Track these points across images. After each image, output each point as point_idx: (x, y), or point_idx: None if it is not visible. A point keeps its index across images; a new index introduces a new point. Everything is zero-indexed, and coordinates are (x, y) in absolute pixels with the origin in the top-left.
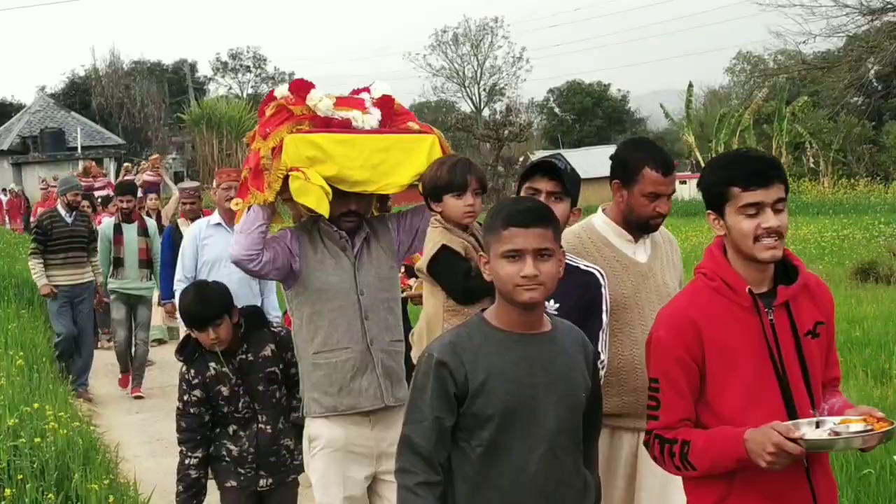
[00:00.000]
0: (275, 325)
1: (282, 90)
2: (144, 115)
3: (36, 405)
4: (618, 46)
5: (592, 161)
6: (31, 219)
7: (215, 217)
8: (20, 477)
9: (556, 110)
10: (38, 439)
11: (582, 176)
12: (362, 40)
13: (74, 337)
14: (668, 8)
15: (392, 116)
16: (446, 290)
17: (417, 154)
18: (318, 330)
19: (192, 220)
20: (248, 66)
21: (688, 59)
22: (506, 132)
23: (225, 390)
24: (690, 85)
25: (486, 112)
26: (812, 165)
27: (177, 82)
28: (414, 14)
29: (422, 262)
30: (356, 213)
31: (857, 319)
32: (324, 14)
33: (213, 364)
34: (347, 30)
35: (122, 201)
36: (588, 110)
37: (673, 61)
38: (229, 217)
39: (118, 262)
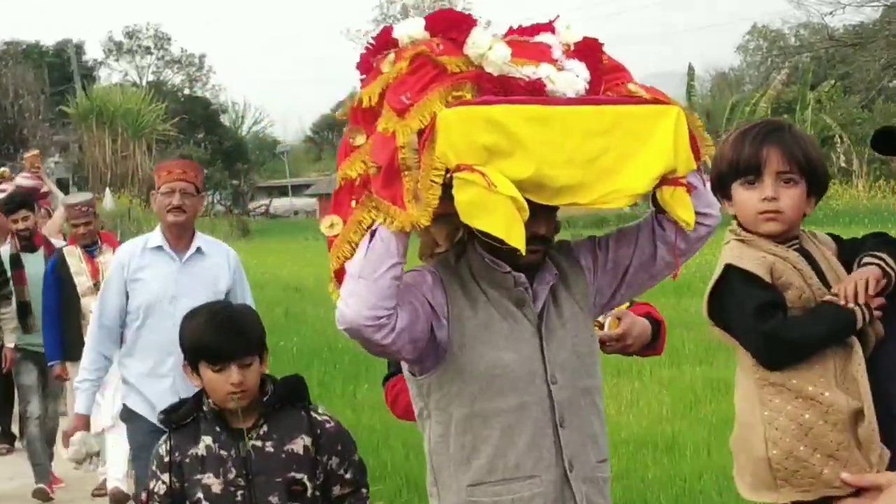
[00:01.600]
0: (321, 410)
1: (412, 27)
2: (19, 108)
3: None
4: (606, 20)
5: None
6: None
7: (156, 237)
8: None
9: None
10: None
11: None
12: (289, 16)
13: None
14: None
15: (601, 74)
16: (740, 342)
17: (657, 138)
18: (481, 445)
19: (85, 247)
20: (149, 48)
21: (690, 35)
22: None
23: (216, 486)
24: (691, 67)
25: None
26: (843, 164)
27: (59, 68)
28: None
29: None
30: (544, 240)
31: None
32: None
33: (208, 438)
34: (270, 4)
35: (15, 220)
36: None
37: (672, 38)
38: (176, 236)
39: (22, 309)
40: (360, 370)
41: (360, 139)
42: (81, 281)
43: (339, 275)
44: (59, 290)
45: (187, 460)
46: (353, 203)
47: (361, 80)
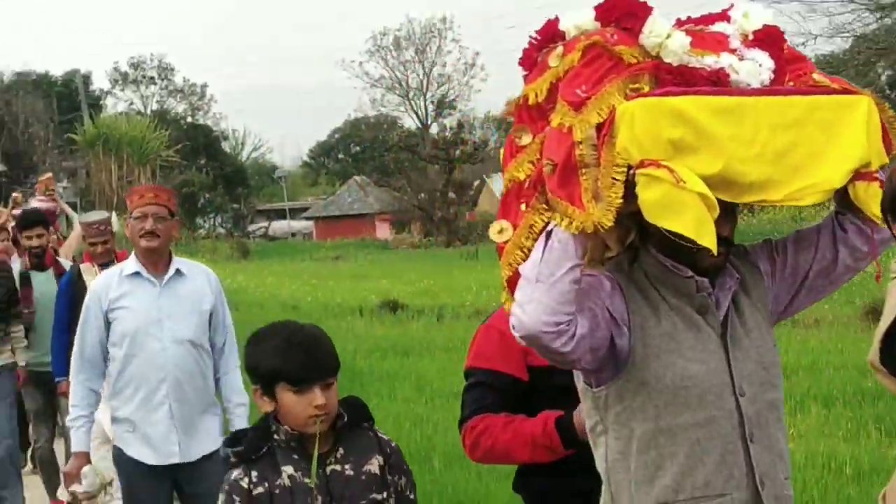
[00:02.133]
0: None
1: (581, 17)
2: (29, 136)
3: None
4: None
5: None
6: None
7: (131, 264)
8: None
9: None
10: None
11: None
12: (286, 46)
13: None
14: None
15: (784, 64)
16: None
17: (849, 130)
18: (666, 462)
19: (102, 265)
20: (153, 78)
21: None
22: (457, 152)
23: None
24: None
25: (434, 129)
26: None
27: (68, 97)
28: (348, 15)
29: (872, 350)
30: (727, 242)
31: (868, 369)
32: (240, 17)
33: (288, 468)
34: (268, 35)
35: (29, 237)
36: None
37: None
38: (151, 262)
39: (28, 328)
40: (355, 385)
41: (526, 138)
42: None
43: (512, 283)
44: (73, 305)
45: (277, 491)
46: (523, 206)
47: (525, 77)
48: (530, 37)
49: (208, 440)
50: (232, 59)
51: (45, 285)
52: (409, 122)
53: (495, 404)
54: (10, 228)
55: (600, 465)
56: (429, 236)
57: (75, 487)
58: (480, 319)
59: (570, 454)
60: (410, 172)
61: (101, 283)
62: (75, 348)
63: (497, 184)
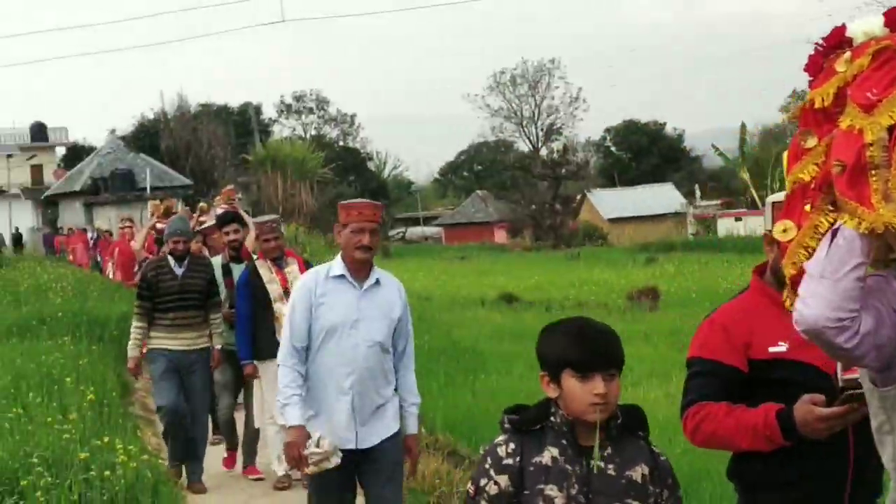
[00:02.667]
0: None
1: (869, 24)
2: (211, 156)
3: (106, 439)
4: (674, 86)
5: (647, 199)
6: (106, 258)
7: (337, 267)
8: None
9: (613, 149)
10: (108, 472)
11: (637, 214)
12: (422, 82)
13: (181, 414)
14: (722, 47)
15: None
16: None
17: None
18: None
19: (274, 260)
20: (311, 108)
21: (743, 98)
22: (563, 171)
23: (559, 499)
24: (743, 125)
25: (543, 151)
26: None
27: (242, 124)
28: (472, 56)
29: None
30: None
31: None
32: (383, 58)
33: (554, 450)
34: (407, 72)
35: (227, 233)
36: (644, 149)
37: (728, 100)
38: (357, 269)
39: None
40: (478, 364)
41: (811, 141)
42: (273, 288)
43: (795, 281)
44: (252, 297)
45: (531, 468)
46: (807, 207)
47: (810, 82)
48: (816, 44)
49: (383, 429)
50: (377, 94)
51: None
52: (523, 146)
53: (717, 393)
54: (199, 231)
55: (888, 465)
56: (538, 241)
57: (312, 449)
58: (582, 310)
59: (788, 445)
60: (524, 188)
61: (310, 279)
62: (284, 335)
63: (596, 198)
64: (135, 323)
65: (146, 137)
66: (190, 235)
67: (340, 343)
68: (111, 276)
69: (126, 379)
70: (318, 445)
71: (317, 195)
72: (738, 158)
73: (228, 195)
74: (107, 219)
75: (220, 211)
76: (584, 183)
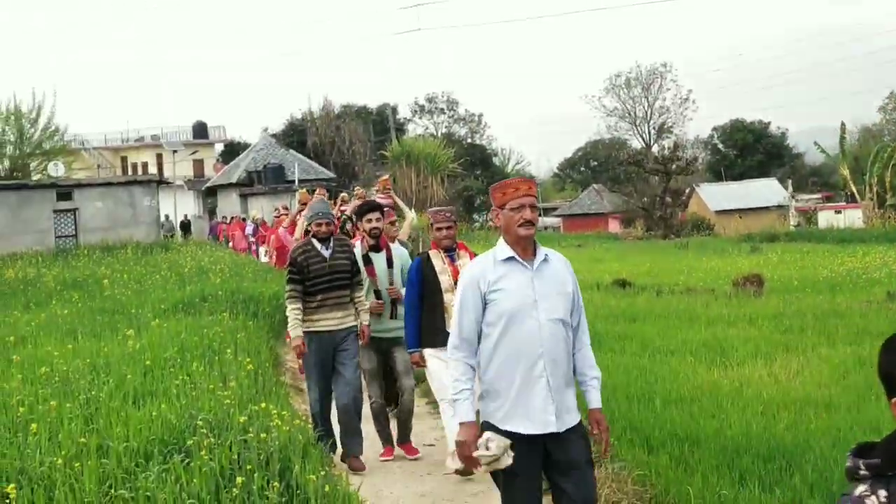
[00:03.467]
0: None
1: None
2: (352, 152)
3: (262, 405)
4: (777, 88)
5: (752, 192)
6: (261, 244)
7: (504, 250)
8: (249, 467)
9: (720, 146)
10: (263, 435)
11: (742, 206)
12: (543, 85)
13: (329, 396)
14: (823, 51)
15: None
16: None
17: None
18: None
19: (447, 251)
20: (442, 109)
21: (843, 99)
22: (673, 166)
23: None
24: (843, 124)
25: (655, 148)
26: None
27: (380, 123)
28: (589, 60)
29: None
30: None
31: None
32: (509, 62)
33: None
34: (530, 76)
35: (369, 220)
36: (749, 146)
37: (829, 100)
38: (523, 247)
39: (377, 296)
40: (594, 342)
41: None
42: (444, 279)
43: None
44: (422, 286)
45: None
46: None
47: None
48: None
49: (573, 413)
50: (504, 96)
51: (380, 263)
52: (636, 143)
53: None
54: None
55: None
56: (649, 231)
57: (482, 452)
58: (691, 295)
59: None
60: (636, 181)
61: (477, 269)
62: (453, 328)
63: (704, 191)
64: (290, 306)
65: (295, 135)
66: (331, 217)
67: (524, 326)
68: (262, 259)
69: (278, 351)
70: (486, 448)
71: (447, 188)
72: (838, 155)
73: (384, 184)
74: (259, 207)
75: (378, 199)
76: (693, 177)
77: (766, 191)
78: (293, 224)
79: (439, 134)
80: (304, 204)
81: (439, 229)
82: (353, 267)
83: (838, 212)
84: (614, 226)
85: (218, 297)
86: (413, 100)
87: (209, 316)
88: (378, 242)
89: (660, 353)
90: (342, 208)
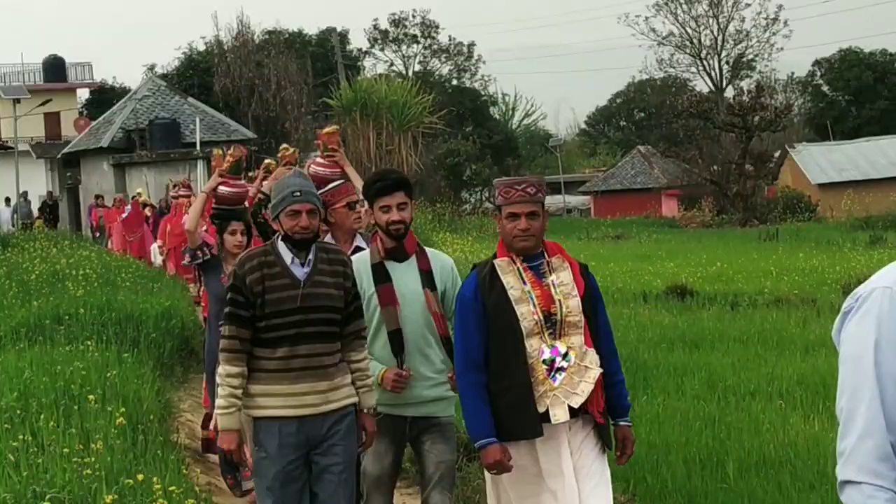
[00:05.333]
0: None
1: None
2: (281, 100)
3: (141, 476)
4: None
5: (873, 156)
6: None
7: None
8: None
9: (825, 89)
10: None
11: (858, 177)
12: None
13: None
14: None
15: None
16: None
17: None
18: None
19: (525, 255)
20: (415, 36)
21: None
22: (756, 119)
23: None
24: None
25: (729, 92)
26: None
27: (322, 58)
28: None
29: None
30: None
31: None
32: None
33: None
34: None
35: (386, 208)
36: (869, 88)
37: None
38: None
39: (392, 343)
40: (639, 380)
41: None
42: (525, 313)
43: None
44: (483, 327)
45: None
46: None
47: None
48: None
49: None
50: (502, 15)
51: (407, 278)
52: (701, 85)
53: None
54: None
55: None
56: (722, 214)
57: None
58: (781, 308)
59: None
60: (702, 142)
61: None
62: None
63: (802, 156)
64: (225, 367)
65: (195, 76)
66: (318, 202)
67: None
68: (158, 262)
69: (169, 396)
70: None
71: (422, 152)
72: None
73: (330, 140)
74: (144, 183)
75: (316, 168)
76: (786, 135)
77: (893, 154)
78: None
79: (410, 73)
80: (234, 173)
81: (513, 216)
82: (350, 296)
83: None
84: (670, 207)
85: (80, 318)
86: (372, 23)
87: (66, 345)
88: (401, 244)
89: (735, 394)
90: (260, 186)
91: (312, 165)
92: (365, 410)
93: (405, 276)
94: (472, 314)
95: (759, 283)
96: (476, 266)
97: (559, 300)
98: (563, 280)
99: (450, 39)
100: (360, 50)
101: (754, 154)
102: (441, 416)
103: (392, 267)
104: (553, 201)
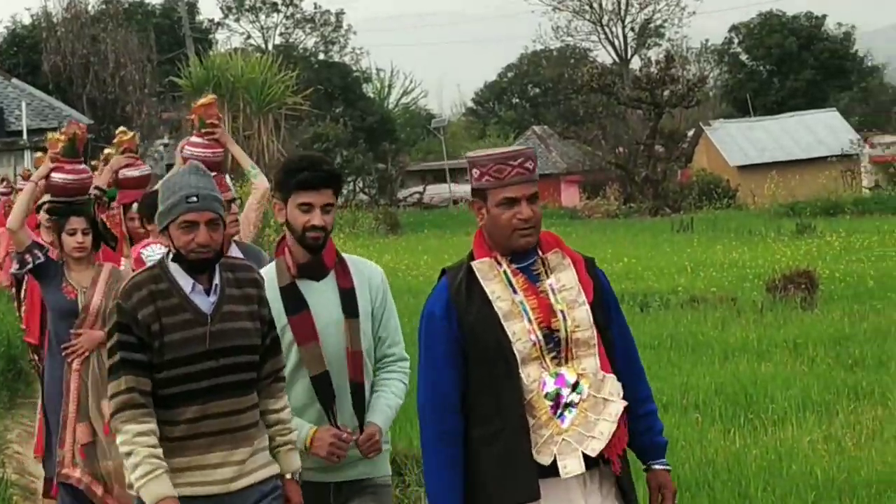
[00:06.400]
0: None
1: None
2: (121, 80)
3: None
4: None
5: (798, 135)
6: None
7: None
8: None
9: (744, 58)
10: None
11: (782, 157)
12: None
13: None
14: None
15: None
16: None
17: None
18: None
19: (520, 253)
20: (275, 4)
21: None
22: (666, 93)
23: None
24: None
25: (635, 63)
26: None
27: (168, 31)
28: None
29: None
30: None
31: None
32: None
33: None
34: None
35: (306, 206)
36: (792, 56)
37: None
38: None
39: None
40: None
41: None
42: (520, 331)
43: None
44: (463, 357)
45: None
46: None
47: None
48: None
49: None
50: None
51: (326, 305)
52: (604, 56)
53: None
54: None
55: None
56: (629, 202)
57: None
58: (697, 309)
59: None
60: (605, 120)
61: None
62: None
63: (718, 134)
64: (129, 428)
65: (19, 54)
66: (221, 209)
67: None
68: None
69: None
70: None
71: (285, 137)
72: None
73: (207, 113)
74: None
75: (193, 151)
76: (700, 111)
77: (821, 131)
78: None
79: (270, 47)
80: (68, 154)
81: (509, 202)
82: (266, 326)
83: None
84: (570, 195)
85: None
86: None
87: None
88: (319, 258)
89: None
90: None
91: (187, 147)
92: (289, 476)
93: (324, 299)
94: (442, 338)
95: (672, 280)
96: (445, 271)
97: (562, 311)
98: (564, 283)
99: (315, 7)
100: (211, 21)
101: (665, 133)
102: (376, 478)
103: (307, 288)
104: (437, 191)
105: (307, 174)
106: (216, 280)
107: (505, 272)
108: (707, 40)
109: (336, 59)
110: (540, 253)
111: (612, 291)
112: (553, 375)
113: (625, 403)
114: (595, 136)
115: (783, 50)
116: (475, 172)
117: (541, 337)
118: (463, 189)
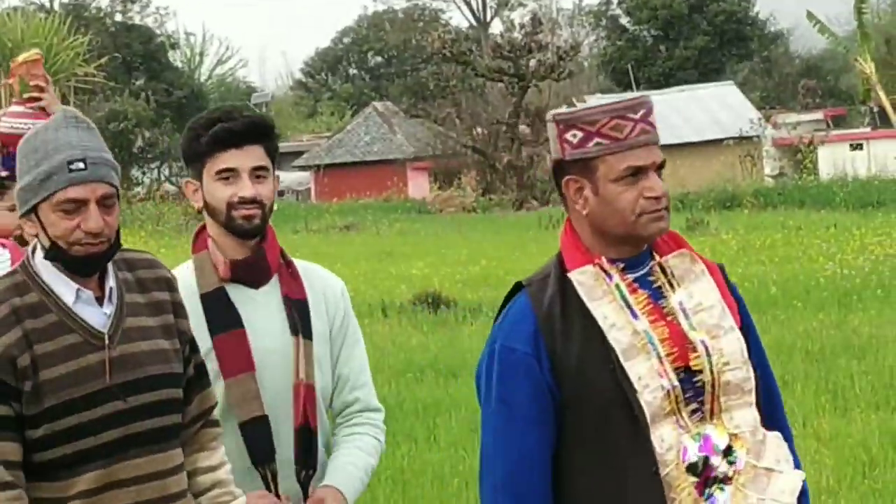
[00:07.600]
0: None
1: None
2: None
3: None
4: None
5: (689, 112)
6: None
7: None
8: None
9: (625, 21)
10: None
11: (671, 140)
12: None
13: None
14: None
15: None
16: None
17: None
18: None
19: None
20: None
21: None
22: (532, 62)
23: None
24: None
25: (496, 27)
26: None
27: None
28: None
29: None
30: None
31: None
32: None
33: None
34: None
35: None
36: (682, 20)
37: None
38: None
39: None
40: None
41: None
42: (642, 371)
43: None
44: (548, 407)
45: None
46: None
47: None
48: None
49: None
50: None
51: (263, 315)
52: (459, 19)
53: None
54: None
55: None
56: (489, 193)
57: None
58: None
59: None
60: (460, 95)
61: None
62: None
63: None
64: None
65: None
66: (118, 181)
67: None
68: None
69: None
70: None
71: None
72: (854, 36)
73: (26, 74)
74: None
75: (9, 122)
76: (573, 85)
77: (716, 108)
78: None
79: (57, 6)
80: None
81: (635, 174)
82: (186, 346)
83: (857, 145)
84: (419, 185)
85: None
86: None
87: None
88: (261, 253)
89: None
90: None
91: (5, 118)
92: None
93: (264, 312)
94: (526, 386)
95: None
96: (521, 285)
97: (703, 342)
98: (701, 300)
99: None
100: None
101: (530, 111)
102: None
103: (241, 297)
104: None
105: (222, 127)
106: (110, 283)
107: (618, 286)
108: (581, 0)
109: (137, 20)
110: (657, 257)
111: (747, 309)
112: (696, 438)
113: (802, 475)
114: (448, 114)
115: (671, 12)
116: (574, 136)
117: (674, 382)
118: (292, 177)
